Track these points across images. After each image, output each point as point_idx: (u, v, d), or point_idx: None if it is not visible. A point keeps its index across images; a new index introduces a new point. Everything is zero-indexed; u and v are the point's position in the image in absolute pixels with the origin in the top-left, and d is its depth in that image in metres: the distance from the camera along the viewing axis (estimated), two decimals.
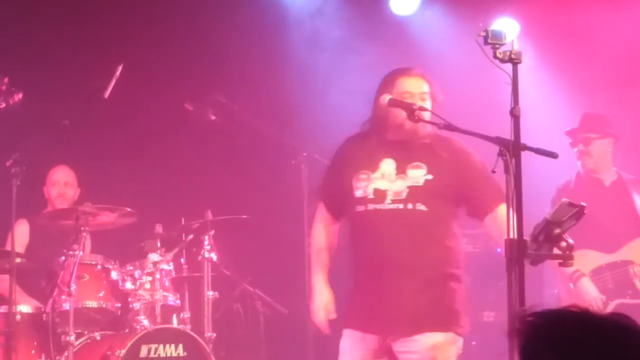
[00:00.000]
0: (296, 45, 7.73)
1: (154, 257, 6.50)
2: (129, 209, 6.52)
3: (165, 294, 6.48)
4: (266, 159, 7.54)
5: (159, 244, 6.58)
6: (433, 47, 7.55)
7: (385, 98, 4.76)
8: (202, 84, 7.55)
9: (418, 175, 4.76)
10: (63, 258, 6.34)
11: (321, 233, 5.03)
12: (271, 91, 7.64)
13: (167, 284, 6.52)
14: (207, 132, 7.48)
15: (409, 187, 4.75)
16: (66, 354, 6.15)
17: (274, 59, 7.71)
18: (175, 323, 6.55)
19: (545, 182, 6.71)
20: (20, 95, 6.33)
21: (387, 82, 4.88)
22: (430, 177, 4.76)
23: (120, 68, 6.62)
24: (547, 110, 7.49)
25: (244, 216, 6.81)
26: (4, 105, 6.31)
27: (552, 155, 4.32)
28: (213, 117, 7.29)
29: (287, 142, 7.10)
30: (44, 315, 6.30)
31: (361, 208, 4.79)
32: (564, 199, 4.32)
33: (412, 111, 4.68)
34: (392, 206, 4.74)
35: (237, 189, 7.51)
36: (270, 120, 7.34)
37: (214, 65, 7.75)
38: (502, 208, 4.77)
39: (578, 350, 2.12)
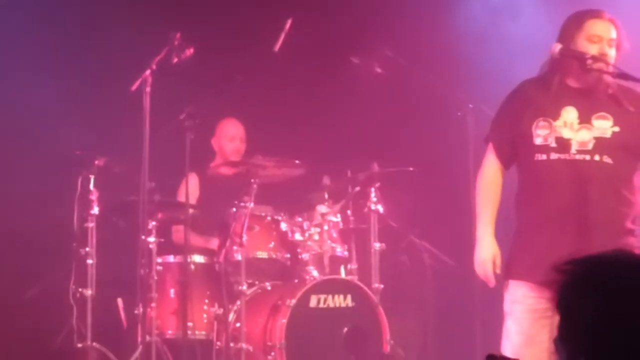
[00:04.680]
0: None
1: (321, 208, 6.57)
2: (297, 161, 6.62)
3: (333, 245, 6.55)
4: (432, 111, 7.50)
5: (326, 196, 6.65)
6: None
7: (557, 47, 4.65)
8: (369, 38, 7.56)
9: (605, 126, 4.60)
10: (234, 209, 6.49)
11: (490, 180, 4.80)
12: (437, 42, 7.58)
13: (334, 235, 6.59)
14: (373, 86, 7.49)
15: (595, 138, 4.59)
16: (238, 303, 6.32)
17: (440, 10, 7.64)
18: (343, 274, 6.63)
19: None
20: (192, 50, 6.48)
21: (575, 22, 4.69)
22: (617, 129, 4.60)
23: (289, 22, 6.68)
24: None
25: (410, 168, 6.81)
26: (176, 60, 6.48)
27: None
28: (379, 70, 7.29)
29: (453, 94, 7.04)
30: (217, 265, 6.49)
31: (542, 157, 4.61)
32: None
33: (584, 61, 4.58)
34: (578, 157, 4.58)
35: (403, 141, 7.52)
36: (436, 72, 7.30)
37: (380, 18, 7.74)
38: None
39: (613, 290, 2.08)
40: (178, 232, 6.80)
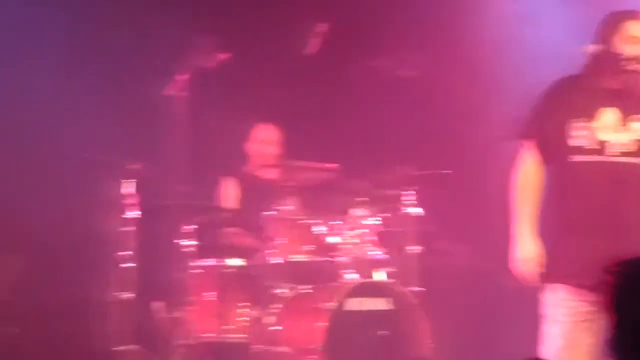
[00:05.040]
0: None
1: (358, 211, 6.57)
2: (333, 165, 6.62)
3: (371, 248, 6.54)
4: (464, 113, 7.51)
5: (363, 199, 6.64)
6: None
7: (592, 48, 4.63)
8: (401, 41, 7.58)
9: None
10: (270, 213, 6.50)
11: (529, 177, 4.72)
12: (468, 44, 7.58)
13: (372, 238, 6.57)
14: (407, 88, 7.51)
15: (632, 140, 4.57)
16: (276, 305, 6.33)
17: (472, 13, 7.64)
18: (381, 277, 6.61)
19: None
20: (227, 55, 6.52)
21: (612, 24, 4.66)
22: None
23: (323, 26, 6.71)
24: None
25: (447, 171, 6.81)
26: (211, 64, 6.52)
27: None
28: (410, 74, 7.32)
29: (480, 97, 7.06)
30: (254, 268, 6.50)
31: (578, 158, 4.58)
32: None
33: (619, 62, 4.56)
34: (614, 159, 4.56)
35: (439, 144, 7.51)
36: (466, 75, 7.31)
37: (412, 20, 7.74)
38: None
39: None
40: (226, 236, 6.80)
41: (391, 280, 6.52)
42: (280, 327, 6.27)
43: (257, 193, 6.92)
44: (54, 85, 7.06)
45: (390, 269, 6.62)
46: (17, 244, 7.04)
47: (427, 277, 6.76)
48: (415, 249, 6.61)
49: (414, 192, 6.65)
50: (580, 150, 4.60)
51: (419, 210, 6.61)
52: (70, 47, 7.22)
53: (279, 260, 6.40)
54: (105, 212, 6.67)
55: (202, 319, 6.50)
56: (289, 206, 6.52)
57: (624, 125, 4.60)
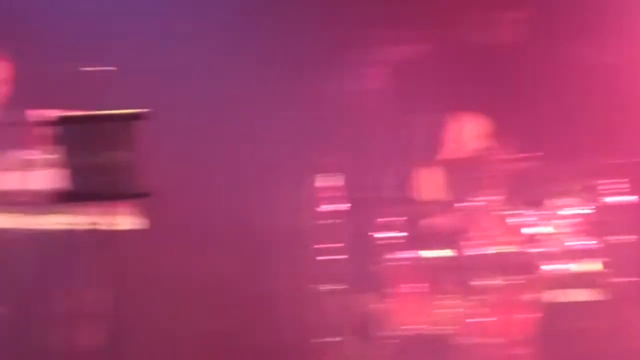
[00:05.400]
0: None
1: (561, 200, 6.46)
2: (536, 153, 6.52)
3: (575, 237, 6.42)
4: None
5: (566, 187, 6.52)
6: None
7: None
8: (600, 27, 7.41)
9: None
10: (473, 204, 6.46)
11: None
12: None
13: (576, 228, 6.45)
14: (609, 75, 7.33)
15: None
16: (481, 298, 6.29)
17: None
18: (587, 267, 6.48)
19: None
20: (423, 47, 6.52)
21: None
22: None
23: (520, 14, 6.63)
24: None
25: None
26: (408, 56, 6.54)
27: None
28: (611, 61, 7.15)
29: None
30: (457, 260, 6.47)
31: None
32: None
33: None
34: None
35: None
36: None
37: (609, 6, 7.57)
38: None
39: None
40: (429, 227, 6.79)
41: (603, 271, 6.37)
42: (487, 319, 6.22)
43: (459, 184, 6.88)
44: (248, 84, 7.19)
45: (602, 259, 6.48)
46: (229, 243, 7.21)
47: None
48: (629, 238, 6.43)
49: (625, 180, 6.47)
50: None
51: (631, 198, 6.44)
52: (264, 43, 7.32)
53: (483, 251, 6.35)
54: (309, 205, 6.76)
55: (407, 311, 6.51)
56: (492, 196, 6.46)
57: None
